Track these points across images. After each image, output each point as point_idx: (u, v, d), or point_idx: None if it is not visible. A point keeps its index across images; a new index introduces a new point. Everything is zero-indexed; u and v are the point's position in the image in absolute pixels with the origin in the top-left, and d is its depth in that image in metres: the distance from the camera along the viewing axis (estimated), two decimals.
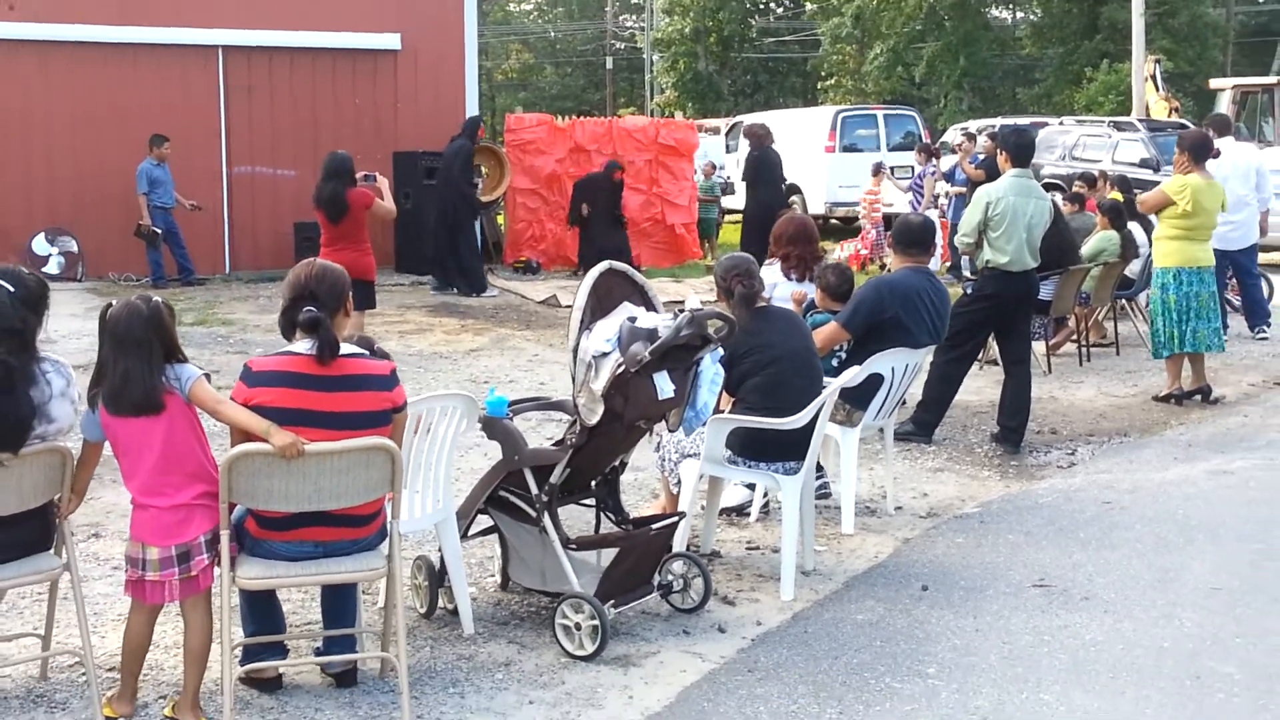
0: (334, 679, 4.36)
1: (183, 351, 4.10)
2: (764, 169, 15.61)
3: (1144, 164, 19.05)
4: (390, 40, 16.80)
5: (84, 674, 4.36)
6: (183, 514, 3.98)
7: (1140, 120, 22.80)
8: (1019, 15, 48.39)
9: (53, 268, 15.26)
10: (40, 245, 15.42)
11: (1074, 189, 13.83)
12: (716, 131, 27.05)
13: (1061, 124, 23.08)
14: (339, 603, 4.41)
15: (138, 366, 3.92)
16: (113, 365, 3.94)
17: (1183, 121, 23.07)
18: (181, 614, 4.11)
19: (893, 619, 4.95)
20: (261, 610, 4.30)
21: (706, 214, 19.20)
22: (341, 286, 4.17)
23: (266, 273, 15.76)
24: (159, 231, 14.87)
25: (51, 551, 4.15)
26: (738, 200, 23.43)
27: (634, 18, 58.70)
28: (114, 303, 4.03)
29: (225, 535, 3.95)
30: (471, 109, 17.20)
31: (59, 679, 4.40)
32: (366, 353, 4.17)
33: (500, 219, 18.62)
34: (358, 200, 9.51)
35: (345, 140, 15.29)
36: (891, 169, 18.80)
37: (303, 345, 4.01)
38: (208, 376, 4.10)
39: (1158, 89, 26.19)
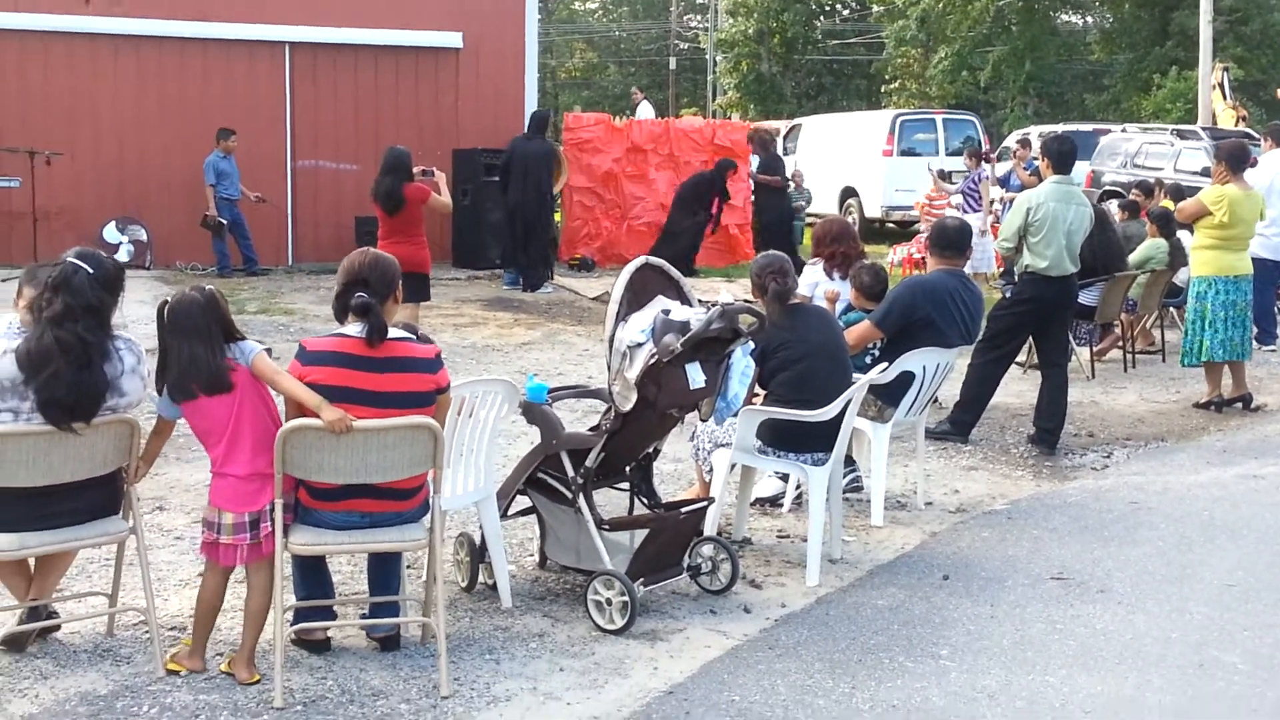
0: (378, 643, 4.63)
1: (240, 331, 4.40)
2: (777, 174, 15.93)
3: (1205, 173, 18.95)
4: (452, 38, 17.11)
5: (146, 632, 4.70)
6: (256, 483, 4.27)
7: (1204, 129, 22.64)
8: (1088, 20, 47.96)
9: (122, 255, 15.73)
10: (111, 234, 15.89)
11: (1130, 197, 13.87)
12: (776, 133, 27.15)
13: (1124, 131, 23.00)
14: (384, 572, 4.69)
15: (201, 350, 4.21)
16: (177, 353, 4.23)
17: (1248, 131, 22.90)
18: (246, 577, 4.41)
19: (912, 605, 5.15)
20: (312, 576, 4.59)
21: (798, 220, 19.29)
22: (392, 275, 4.45)
23: (328, 264, 16.10)
24: (225, 222, 15.29)
25: (119, 516, 4.46)
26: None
27: (698, 18, 58.86)
28: (168, 299, 4.33)
29: (279, 504, 4.23)
30: (531, 108, 17.51)
31: (123, 636, 4.71)
32: (413, 337, 4.44)
33: (557, 216, 18.90)
34: (414, 195, 9.81)
35: (406, 136, 15.62)
36: (950, 174, 18.85)
37: (354, 328, 4.28)
38: (269, 351, 4.40)
39: (1225, 97, 25.98)
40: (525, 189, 14.71)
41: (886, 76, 46.50)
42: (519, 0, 17.49)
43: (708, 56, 51.41)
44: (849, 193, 23.26)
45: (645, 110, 20.86)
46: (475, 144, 16.67)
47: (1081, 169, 20.38)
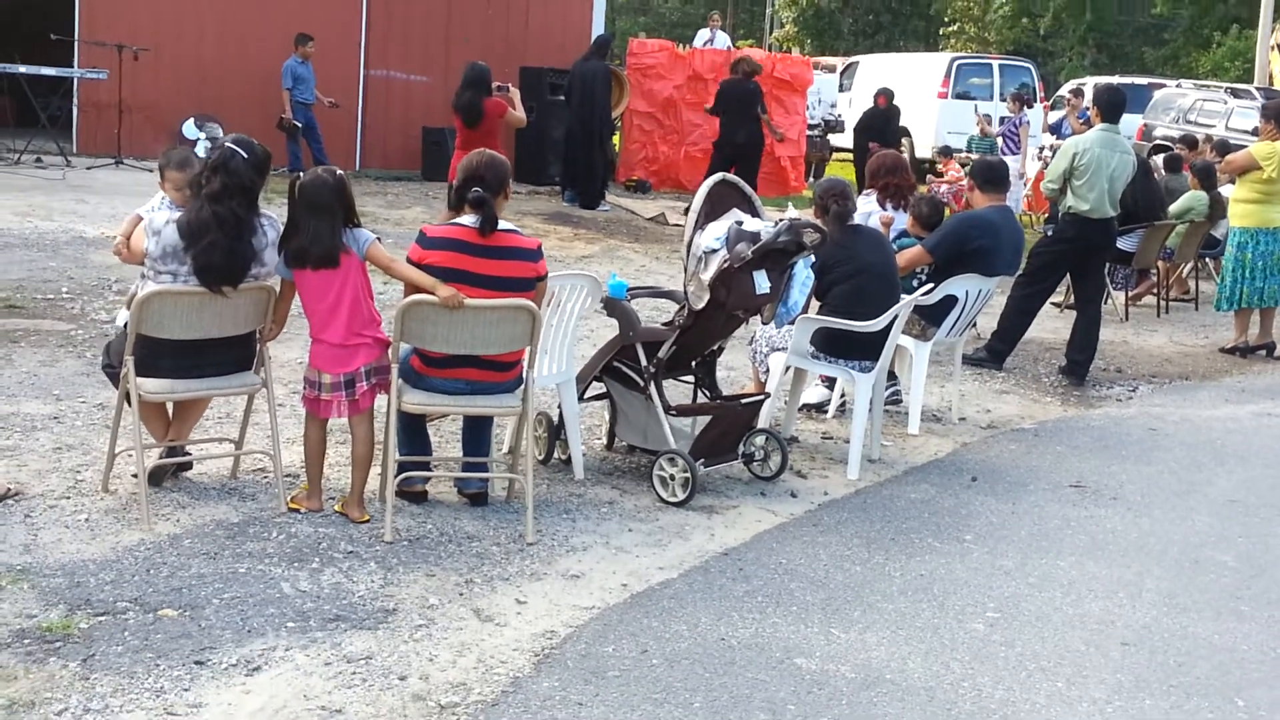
0: (469, 499, 5.27)
1: (359, 217, 4.98)
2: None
3: (1256, 133, 19.16)
4: None
5: (266, 476, 5.36)
6: (350, 349, 4.89)
7: (1258, 89, 22.76)
8: None
9: (200, 151, 16.27)
10: (190, 130, 16.12)
11: (1175, 150, 14.22)
12: (833, 70, 27.40)
13: (1179, 86, 23.16)
14: (478, 437, 5.33)
15: (325, 227, 4.81)
16: (304, 225, 4.83)
17: None
18: (350, 428, 5.05)
19: (941, 499, 5.74)
20: (414, 436, 5.22)
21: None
22: (504, 173, 5.02)
23: (394, 172, 16.72)
24: (299, 125, 15.81)
25: (253, 371, 5.09)
26: (846, 139, 23.94)
27: None
28: (303, 174, 4.91)
29: (395, 368, 4.86)
30: (598, 31, 17.92)
31: (245, 479, 5.37)
32: (519, 230, 5.02)
33: (615, 138, 19.36)
34: (493, 108, 10.36)
35: (475, 53, 15.98)
36: (951, 150, 18.86)
37: (468, 219, 4.87)
38: (379, 239, 4.99)
39: None
40: (583, 109, 15.12)
41: (945, 19, 46.26)
42: None
43: None
44: (902, 132, 23.52)
45: (722, 39, 21.09)
46: (541, 63, 17.10)
47: (1134, 122, 20.63)
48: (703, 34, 21.20)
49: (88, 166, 14.72)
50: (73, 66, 15.78)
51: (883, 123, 16.56)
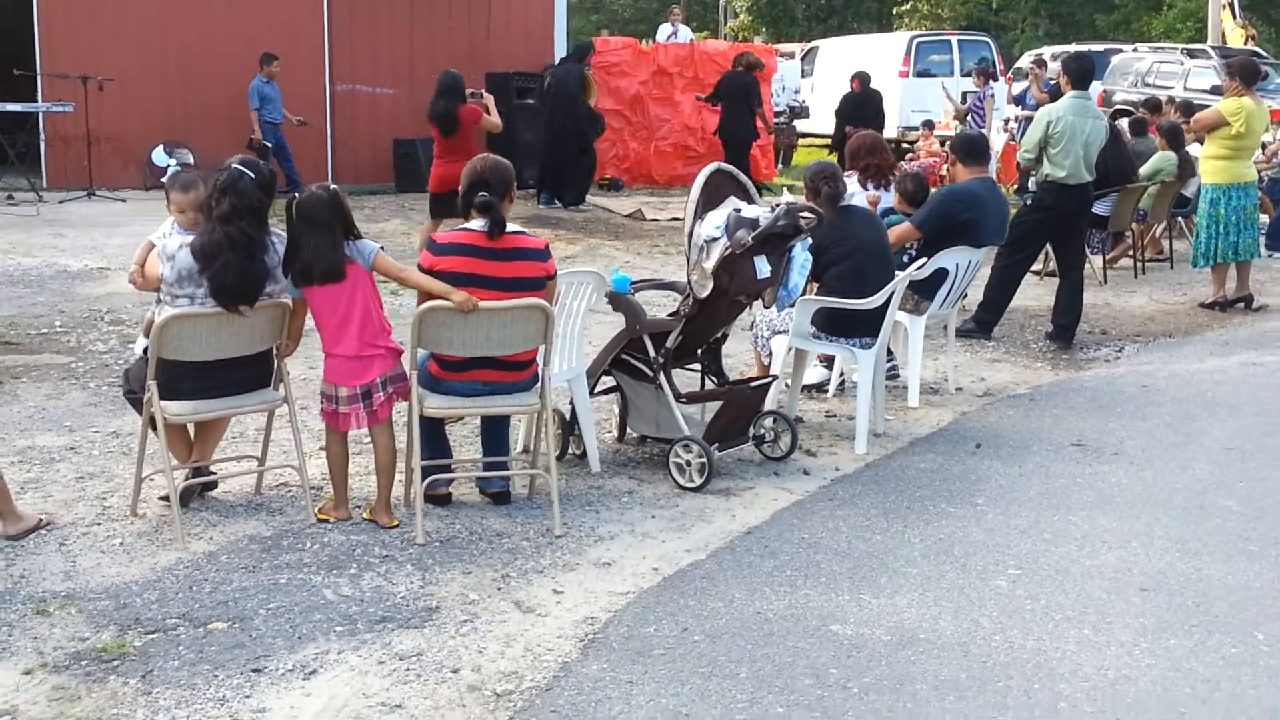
0: (491, 498, 5.37)
1: (358, 229, 5.07)
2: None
3: (1215, 91, 19.44)
4: None
5: (289, 490, 5.45)
6: (364, 361, 4.98)
7: (1213, 48, 23.08)
8: None
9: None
10: (159, 156, 16.38)
11: (1138, 114, 14.44)
12: (792, 56, 27.58)
13: (1135, 50, 23.44)
14: (497, 436, 5.44)
15: (325, 243, 4.89)
16: (305, 243, 4.91)
17: (1258, 50, 23.30)
18: (371, 438, 5.14)
19: (950, 467, 5.89)
20: (434, 440, 5.32)
21: None
22: (509, 177, 5.13)
23: (367, 186, 16.76)
24: (269, 145, 15.84)
25: (272, 388, 5.18)
26: (811, 124, 24.11)
27: None
28: (297, 195, 5.00)
29: (414, 375, 4.96)
30: (561, 33, 18.04)
31: (269, 494, 5.46)
32: (526, 231, 5.12)
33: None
34: (468, 116, 10.46)
35: (439, 61, 16.11)
36: (964, 95, 19.31)
37: (477, 223, 4.98)
38: (383, 249, 5.08)
39: (1234, 16, 26.32)
40: (564, 109, 15.22)
41: None
42: None
43: None
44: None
45: (684, 33, 21.24)
46: (507, 68, 17.18)
47: (1093, 88, 20.89)
48: (664, 29, 21.34)
49: (60, 200, 14.72)
50: (37, 101, 15.78)
51: (857, 106, 16.70)
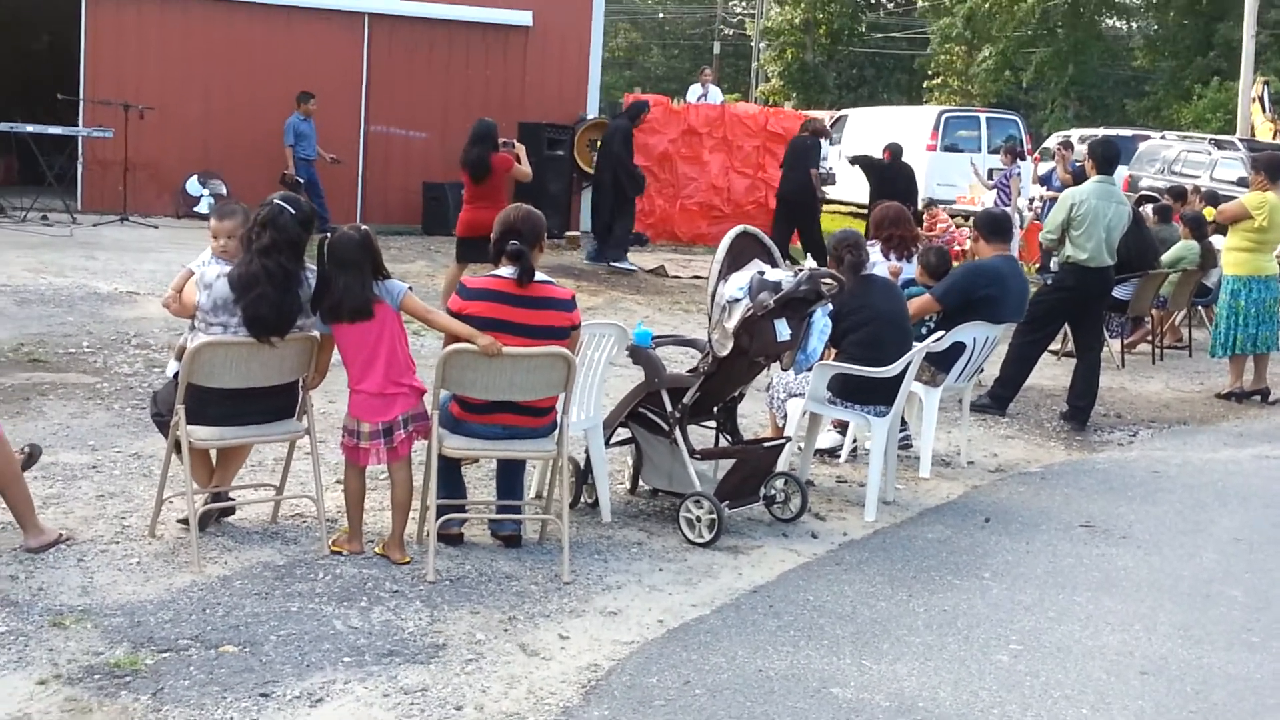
0: (502, 540, 5.44)
1: (387, 269, 5.18)
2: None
3: (1241, 183, 19.56)
4: (523, 17, 17.84)
5: (304, 521, 5.53)
6: (387, 398, 5.08)
7: (1241, 140, 23.21)
8: (1133, 26, 48.32)
9: (203, 208, 16.56)
10: (193, 186, 16.74)
11: (1162, 201, 14.55)
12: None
13: (1163, 138, 23.60)
14: (511, 479, 5.52)
15: (355, 282, 5.01)
16: (335, 282, 5.03)
17: None
18: (389, 474, 5.23)
19: (958, 539, 5.94)
20: (450, 481, 5.39)
21: None
22: (540, 227, 5.25)
23: (394, 227, 16.93)
24: (301, 181, 16.04)
25: (296, 419, 5.27)
26: (839, 191, 24.31)
27: (744, 3, 59.37)
28: (329, 234, 5.12)
29: (435, 415, 5.04)
30: (594, 87, 18.31)
31: (285, 524, 5.54)
32: (553, 281, 5.23)
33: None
34: (500, 163, 10.63)
35: (473, 109, 16.40)
36: (990, 171, 19.47)
37: (506, 270, 5.09)
38: (410, 289, 5.19)
39: (1264, 110, 26.52)
40: (609, 165, 15.09)
41: (929, 72, 46.99)
42: None
43: (753, 44, 51.94)
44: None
45: (714, 94, 21.49)
46: (539, 119, 17.40)
47: (1119, 173, 21.02)
48: (695, 89, 21.59)
49: (94, 223, 14.94)
50: (77, 125, 16.07)
51: (885, 179, 16.87)
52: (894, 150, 17.59)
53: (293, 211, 4.97)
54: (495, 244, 5.18)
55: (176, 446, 5.02)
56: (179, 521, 5.32)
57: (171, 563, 4.95)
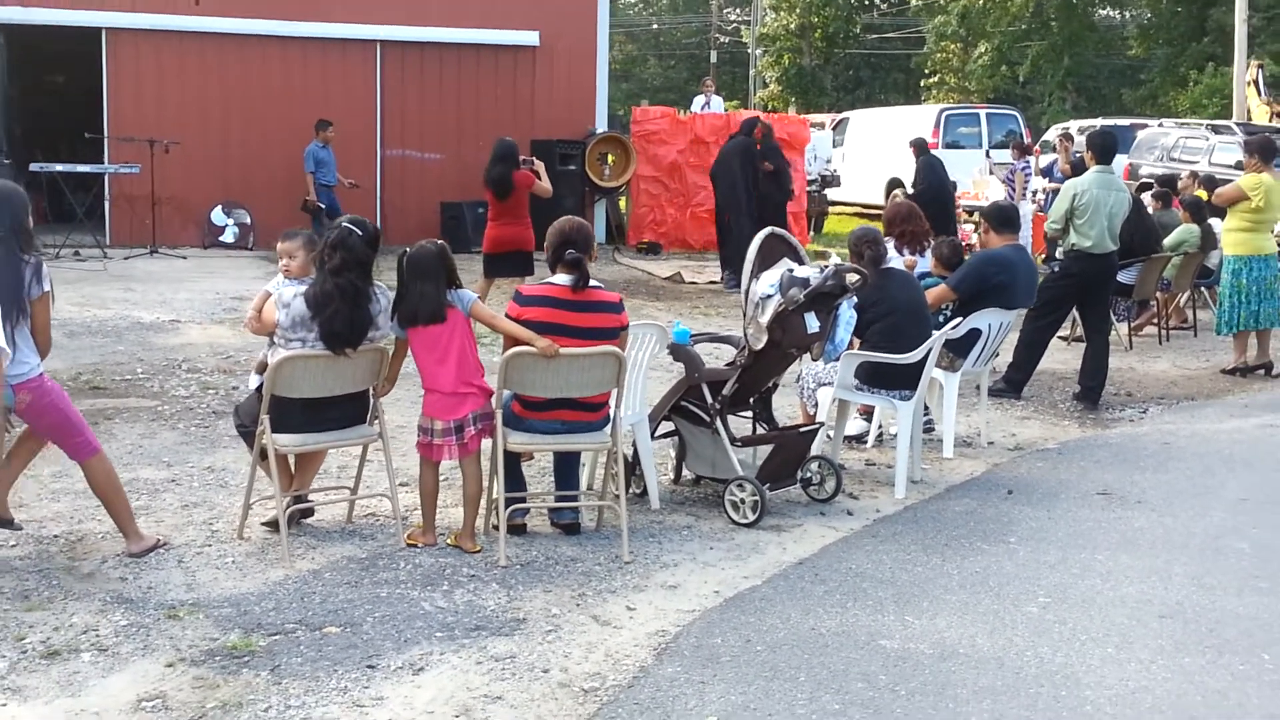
0: (562, 529, 5.88)
1: (459, 279, 5.63)
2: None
3: (1239, 167, 19.92)
4: (530, 37, 18.34)
5: (377, 520, 5.97)
6: (459, 398, 5.52)
7: (1238, 124, 23.59)
8: (1126, 15, 48.69)
9: (228, 237, 17.10)
10: (218, 216, 17.23)
11: (1156, 189, 14.94)
12: (823, 127, 28.31)
13: (1160, 126, 24.01)
14: (568, 472, 5.96)
15: (431, 289, 5.46)
16: (413, 289, 5.48)
17: None
18: (460, 469, 5.67)
19: (983, 510, 6.36)
20: (512, 475, 5.83)
21: None
22: (591, 236, 5.71)
23: None
24: (323, 206, 16.48)
25: (368, 424, 5.71)
26: (842, 192, 24.74)
27: (738, 11, 59.85)
28: (409, 249, 5.57)
29: (500, 413, 5.49)
30: (602, 102, 18.84)
31: (359, 523, 5.98)
32: (601, 285, 5.67)
33: (623, 204, 20.13)
34: (522, 181, 11.05)
35: (485, 129, 16.94)
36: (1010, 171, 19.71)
37: (561, 278, 5.54)
38: (480, 298, 5.63)
39: (1260, 94, 26.93)
40: (730, 183, 14.45)
41: (926, 71, 47.40)
42: (591, 2, 18.73)
43: (749, 51, 52.40)
44: (895, 184, 24.34)
45: (717, 103, 21.97)
46: (550, 135, 17.87)
47: (1119, 162, 21.43)
48: (698, 100, 22.08)
49: (125, 257, 15.42)
50: (104, 163, 16.57)
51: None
52: (918, 145, 17.72)
53: (360, 233, 5.43)
54: (554, 252, 5.63)
55: (262, 454, 5.46)
56: (263, 524, 5.75)
57: (263, 560, 5.39)
